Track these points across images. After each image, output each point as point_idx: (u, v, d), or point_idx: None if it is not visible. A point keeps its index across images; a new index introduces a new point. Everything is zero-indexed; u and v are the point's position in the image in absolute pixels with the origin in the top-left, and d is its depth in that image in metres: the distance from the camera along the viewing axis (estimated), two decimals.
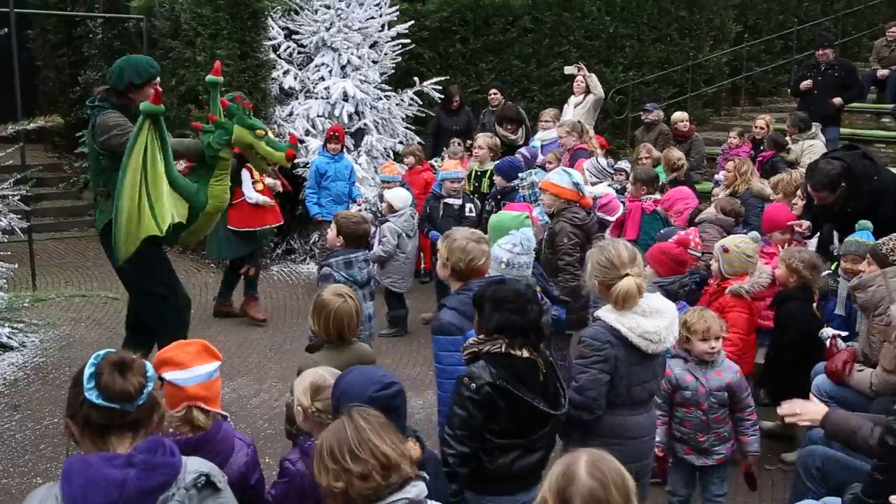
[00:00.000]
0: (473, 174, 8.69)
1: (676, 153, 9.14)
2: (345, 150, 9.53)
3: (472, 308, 3.77)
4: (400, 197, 7.97)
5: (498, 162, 8.23)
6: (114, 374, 2.40)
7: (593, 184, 8.12)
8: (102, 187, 5.59)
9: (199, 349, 3.03)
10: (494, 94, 11.04)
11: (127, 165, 5.07)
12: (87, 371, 2.41)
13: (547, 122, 9.91)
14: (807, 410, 3.91)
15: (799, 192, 6.93)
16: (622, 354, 3.59)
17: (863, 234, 5.69)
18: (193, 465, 2.43)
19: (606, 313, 3.64)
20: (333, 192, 9.02)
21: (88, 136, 5.53)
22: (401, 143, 10.69)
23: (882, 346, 4.68)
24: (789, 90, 12.78)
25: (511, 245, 4.46)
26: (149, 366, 2.52)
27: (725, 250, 5.34)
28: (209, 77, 5.68)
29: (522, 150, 9.40)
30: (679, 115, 11.06)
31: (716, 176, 9.83)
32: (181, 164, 5.95)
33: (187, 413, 2.95)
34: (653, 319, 3.60)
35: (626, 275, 3.61)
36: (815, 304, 5.49)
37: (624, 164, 9.79)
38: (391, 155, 10.60)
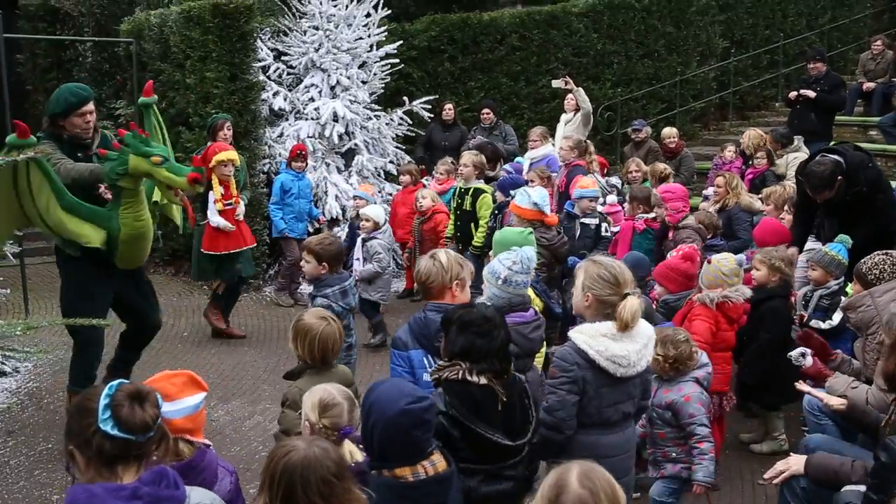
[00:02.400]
0: (458, 191, 8.71)
1: (661, 164, 9.21)
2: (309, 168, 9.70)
3: (423, 327, 3.83)
4: (380, 213, 8.23)
5: (501, 178, 8.30)
6: (133, 407, 2.41)
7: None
8: None
9: (187, 381, 3.00)
10: (487, 113, 11.08)
11: None
12: (103, 402, 2.40)
13: (535, 140, 9.91)
14: (788, 465, 4.05)
15: (786, 207, 6.98)
16: (590, 376, 3.51)
17: (838, 248, 5.71)
18: (197, 498, 2.44)
19: (576, 334, 3.56)
20: (296, 209, 9.24)
21: None
22: (391, 162, 10.75)
23: (877, 363, 4.69)
24: (777, 103, 12.77)
25: (511, 262, 4.29)
26: (159, 397, 2.53)
27: (708, 261, 5.41)
28: (141, 99, 5.86)
29: (507, 166, 9.46)
30: (668, 132, 11.10)
31: (704, 191, 9.88)
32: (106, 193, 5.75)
33: (173, 445, 2.90)
34: (623, 343, 3.52)
35: (627, 294, 3.54)
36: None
37: (614, 179, 9.87)
38: (382, 174, 10.64)
